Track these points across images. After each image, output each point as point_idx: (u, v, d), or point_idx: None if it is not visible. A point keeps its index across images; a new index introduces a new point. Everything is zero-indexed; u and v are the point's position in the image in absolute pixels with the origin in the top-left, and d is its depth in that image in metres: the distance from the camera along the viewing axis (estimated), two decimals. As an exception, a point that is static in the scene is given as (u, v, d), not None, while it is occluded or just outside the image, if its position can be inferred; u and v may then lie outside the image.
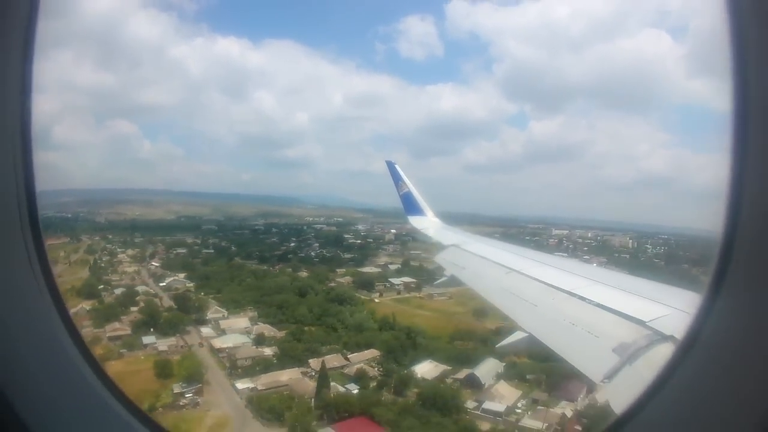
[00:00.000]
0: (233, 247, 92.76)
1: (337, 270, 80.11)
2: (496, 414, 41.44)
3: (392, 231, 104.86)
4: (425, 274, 74.61)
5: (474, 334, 56.25)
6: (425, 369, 48.23)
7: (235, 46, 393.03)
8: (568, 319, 5.42)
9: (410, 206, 17.19)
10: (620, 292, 5.66)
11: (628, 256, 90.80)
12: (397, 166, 18.21)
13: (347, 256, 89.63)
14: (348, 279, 76.49)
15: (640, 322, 4.45)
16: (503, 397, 43.88)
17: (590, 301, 5.50)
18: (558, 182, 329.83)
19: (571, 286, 6.12)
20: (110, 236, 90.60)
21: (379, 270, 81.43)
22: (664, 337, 4.02)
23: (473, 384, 46.09)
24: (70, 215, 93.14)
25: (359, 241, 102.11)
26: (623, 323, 4.66)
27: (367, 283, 73.95)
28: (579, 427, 38.57)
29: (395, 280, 76.48)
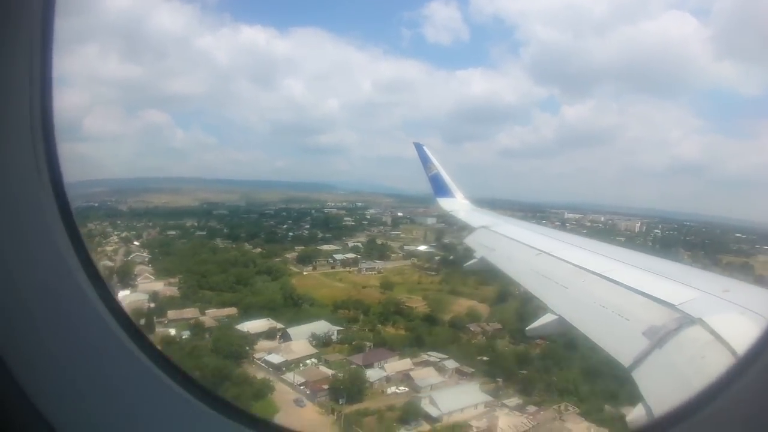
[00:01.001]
0: (225, 230, 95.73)
1: (296, 247, 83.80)
2: (270, 365, 45.58)
3: (399, 214, 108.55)
4: (377, 251, 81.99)
5: (361, 303, 60.70)
6: (257, 325, 53.18)
7: (262, 35, 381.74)
8: (598, 302, 5.47)
9: (439, 188, 17.07)
10: (650, 275, 5.70)
11: (623, 239, 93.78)
12: (425, 147, 18.03)
13: (322, 235, 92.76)
14: (293, 254, 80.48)
15: (670, 305, 4.51)
16: (291, 352, 47.94)
17: (620, 284, 5.53)
18: (592, 168, 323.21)
19: (601, 269, 6.15)
20: (119, 222, 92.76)
21: (337, 248, 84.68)
22: (693, 321, 4.08)
23: (285, 339, 51.54)
24: (96, 204, 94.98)
25: (353, 223, 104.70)
26: (653, 306, 4.71)
27: (307, 258, 78.28)
28: (326, 386, 41.83)
29: (338, 256, 80.00)
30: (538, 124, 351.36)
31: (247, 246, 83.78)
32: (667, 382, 3.78)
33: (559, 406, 39.78)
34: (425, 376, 44.88)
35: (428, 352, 48.52)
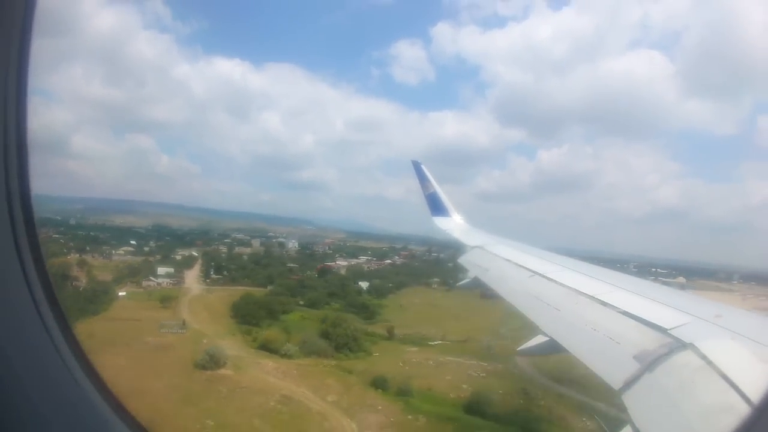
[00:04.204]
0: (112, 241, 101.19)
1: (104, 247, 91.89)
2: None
3: (293, 244, 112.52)
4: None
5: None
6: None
7: (238, 68, 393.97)
8: (590, 324, 5.44)
9: (436, 207, 17.05)
10: (642, 299, 5.70)
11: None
12: (423, 166, 18.13)
13: (145, 248, 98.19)
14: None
15: (662, 330, 4.50)
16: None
17: (613, 307, 5.53)
18: (573, 214, 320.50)
19: (594, 291, 6.16)
20: (45, 230, 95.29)
21: (132, 250, 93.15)
22: (685, 345, 4.05)
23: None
24: (60, 218, 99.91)
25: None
26: (645, 330, 4.69)
27: (85, 250, 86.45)
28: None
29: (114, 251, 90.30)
30: (514, 168, 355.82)
31: (71, 244, 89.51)
32: (656, 407, 3.75)
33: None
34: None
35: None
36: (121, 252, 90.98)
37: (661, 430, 3.45)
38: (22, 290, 2.08)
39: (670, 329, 4.46)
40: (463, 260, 11.38)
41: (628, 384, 3.97)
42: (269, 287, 66.11)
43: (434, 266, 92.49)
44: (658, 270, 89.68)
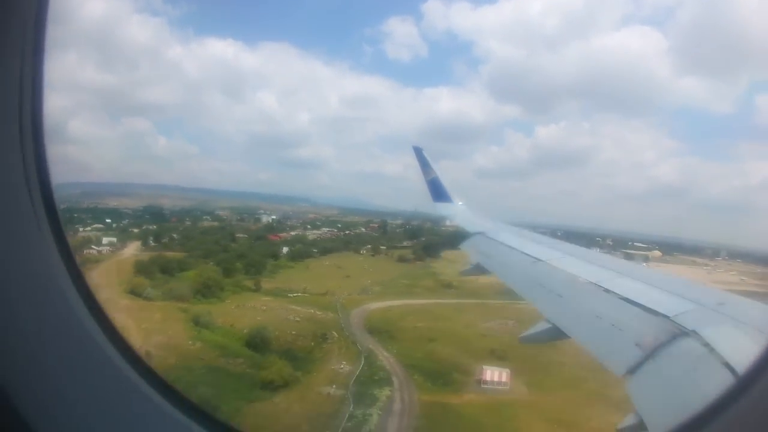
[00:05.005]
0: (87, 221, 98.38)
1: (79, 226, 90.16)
2: None
3: (268, 219, 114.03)
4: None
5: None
6: None
7: (231, 49, 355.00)
8: (593, 312, 5.40)
9: (437, 193, 16.57)
10: (646, 286, 5.70)
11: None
12: (424, 151, 17.37)
13: (114, 225, 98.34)
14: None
15: (665, 317, 4.50)
16: None
17: (616, 294, 5.50)
18: (571, 190, 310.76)
19: (597, 278, 6.11)
20: None
21: (101, 226, 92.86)
22: (687, 333, 4.07)
23: None
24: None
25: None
26: (648, 317, 4.68)
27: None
28: None
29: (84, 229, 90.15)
30: (512, 144, 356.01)
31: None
32: (659, 394, 3.76)
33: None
34: None
35: None
36: (89, 229, 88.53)
37: (664, 417, 3.38)
38: (50, 281, 2.05)
39: (673, 316, 4.46)
40: (465, 246, 11.24)
41: (631, 371, 3.93)
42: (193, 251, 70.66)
43: (382, 236, 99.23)
44: (635, 244, 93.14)
